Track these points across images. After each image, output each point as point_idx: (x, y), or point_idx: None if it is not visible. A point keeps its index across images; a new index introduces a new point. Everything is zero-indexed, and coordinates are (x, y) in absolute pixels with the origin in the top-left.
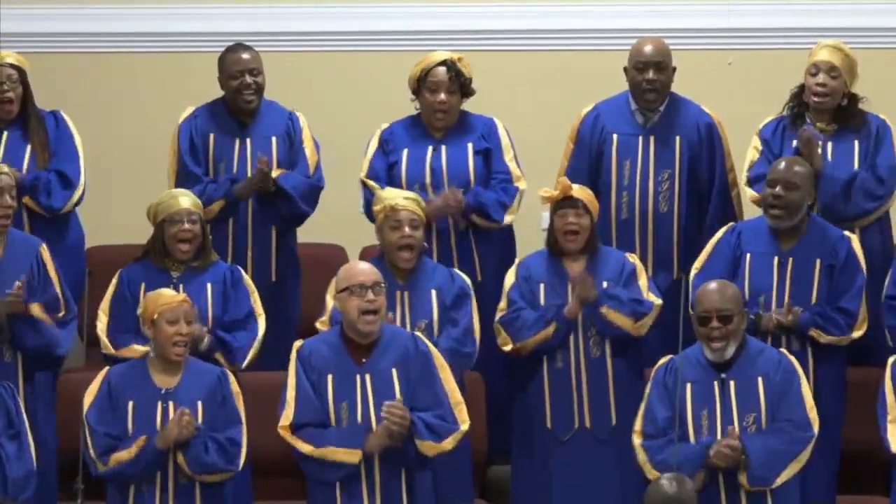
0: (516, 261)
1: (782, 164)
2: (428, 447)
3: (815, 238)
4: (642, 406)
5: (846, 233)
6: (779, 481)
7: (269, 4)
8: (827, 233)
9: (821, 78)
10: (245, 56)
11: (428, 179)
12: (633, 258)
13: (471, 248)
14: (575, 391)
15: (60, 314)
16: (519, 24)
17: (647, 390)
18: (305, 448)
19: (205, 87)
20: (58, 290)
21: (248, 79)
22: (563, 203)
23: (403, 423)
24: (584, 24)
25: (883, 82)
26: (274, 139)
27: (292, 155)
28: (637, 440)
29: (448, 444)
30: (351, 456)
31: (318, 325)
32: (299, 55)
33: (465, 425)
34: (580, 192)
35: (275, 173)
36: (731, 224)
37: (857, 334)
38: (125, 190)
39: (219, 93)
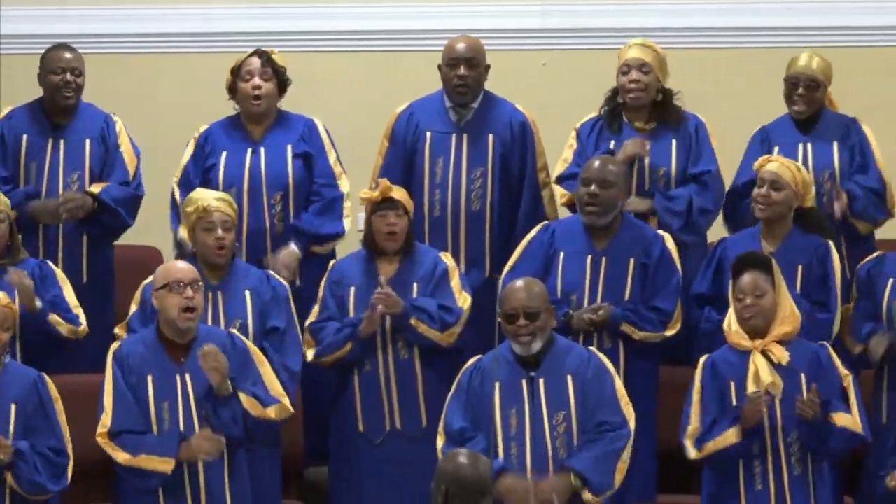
0: (331, 263)
1: (596, 163)
2: (250, 404)
3: (628, 237)
4: (445, 409)
5: (660, 231)
6: (618, 480)
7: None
8: (640, 231)
9: (633, 75)
10: (68, 55)
11: (246, 184)
12: (447, 258)
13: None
14: (385, 394)
15: None
16: (341, 26)
17: (450, 394)
18: (121, 457)
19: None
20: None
21: (69, 77)
22: (382, 204)
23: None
24: (408, 25)
25: (696, 80)
26: (88, 142)
27: (108, 159)
28: (440, 442)
29: (271, 412)
30: (164, 465)
31: (116, 330)
32: None
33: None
34: (398, 192)
35: (95, 188)
36: (544, 223)
37: (670, 333)
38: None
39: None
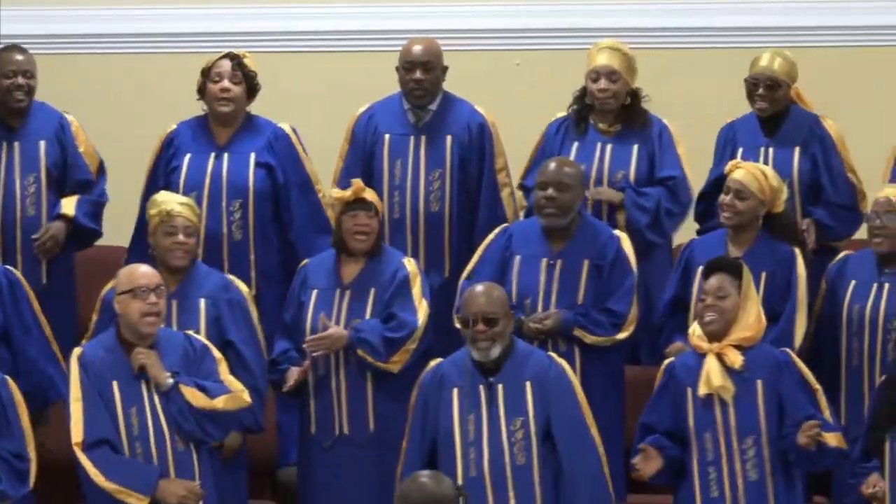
0: (303, 262)
1: (552, 165)
2: (191, 394)
3: (584, 239)
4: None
5: (616, 232)
6: (611, 486)
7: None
8: (596, 232)
9: (602, 83)
10: (19, 57)
11: (206, 189)
12: (410, 264)
13: (247, 255)
14: (335, 398)
15: None
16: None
17: (412, 403)
18: (96, 477)
19: None
20: None
21: (21, 80)
22: (354, 205)
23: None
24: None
25: (663, 81)
26: (42, 143)
27: (67, 161)
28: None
29: (219, 402)
30: (138, 501)
31: (84, 342)
32: None
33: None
34: (370, 193)
35: (68, 209)
36: (503, 226)
37: (623, 335)
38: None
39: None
